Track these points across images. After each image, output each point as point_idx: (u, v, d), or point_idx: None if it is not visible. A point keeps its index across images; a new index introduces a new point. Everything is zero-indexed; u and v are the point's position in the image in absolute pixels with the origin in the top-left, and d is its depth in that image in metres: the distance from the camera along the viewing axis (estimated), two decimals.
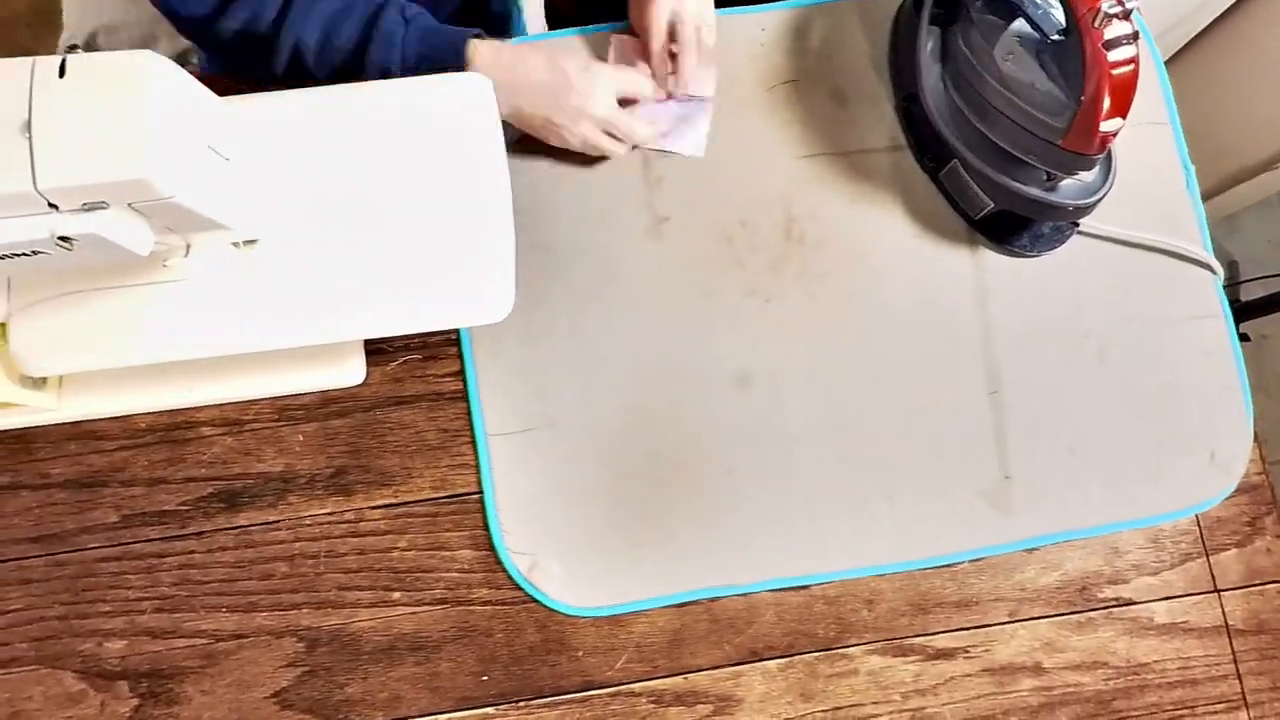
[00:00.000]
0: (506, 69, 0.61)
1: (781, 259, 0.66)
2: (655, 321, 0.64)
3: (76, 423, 0.61)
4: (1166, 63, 0.75)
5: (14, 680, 0.58)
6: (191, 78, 0.43)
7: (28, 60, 0.39)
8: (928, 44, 0.64)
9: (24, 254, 0.42)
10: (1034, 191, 0.60)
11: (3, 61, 0.39)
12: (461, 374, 0.63)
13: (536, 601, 0.60)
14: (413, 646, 0.59)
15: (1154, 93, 0.69)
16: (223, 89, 0.47)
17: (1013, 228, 0.66)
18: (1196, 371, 0.66)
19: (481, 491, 0.61)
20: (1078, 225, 0.66)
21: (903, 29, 0.68)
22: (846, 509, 0.62)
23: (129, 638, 0.59)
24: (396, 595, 0.60)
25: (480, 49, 0.61)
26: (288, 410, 0.62)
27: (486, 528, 0.61)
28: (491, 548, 0.60)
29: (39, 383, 0.58)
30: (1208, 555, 0.64)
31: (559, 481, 0.62)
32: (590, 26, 0.70)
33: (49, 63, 0.39)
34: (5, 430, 0.60)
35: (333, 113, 0.58)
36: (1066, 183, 0.61)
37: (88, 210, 0.40)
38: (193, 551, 0.60)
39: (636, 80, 0.64)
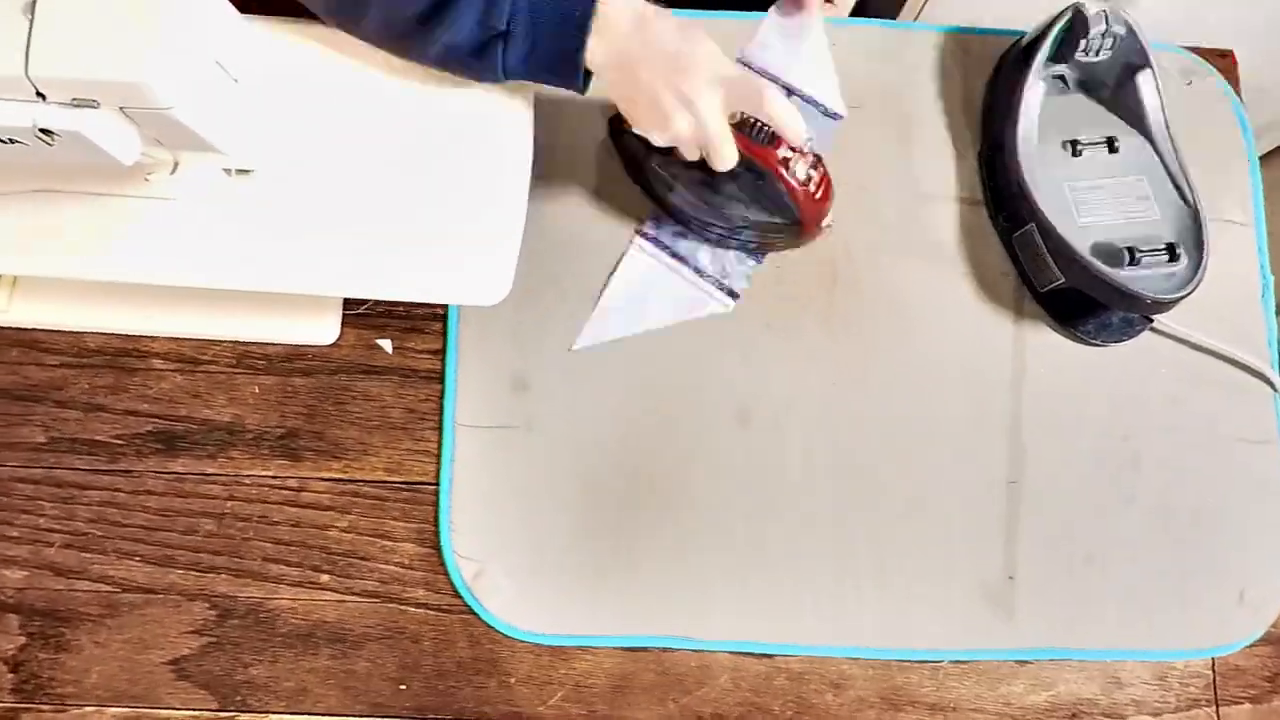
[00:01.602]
0: (636, 35, 0.54)
1: (809, 295, 0.67)
2: (662, 335, 0.65)
3: (22, 329, 0.63)
4: (1262, 159, 0.76)
5: None
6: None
7: None
8: (1031, 96, 0.66)
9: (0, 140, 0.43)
10: (1113, 275, 0.61)
11: None
12: (442, 354, 0.64)
13: (475, 614, 0.60)
14: (332, 638, 0.60)
15: (1241, 189, 0.70)
16: (244, 5, 0.48)
17: (1080, 310, 0.66)
18: (1240, 499, 0.66)
19: (438, 483, 0.62)
20: (1152, 321, 0.66)
21: (1005, 73, 0.69)
22: (831, 577, 0.62)
23: (30, 569, 0.60)
24: (325, 579, 0.61)
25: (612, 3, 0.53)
26: (249, 358, 0.64)
27: (436, 523, 0.61)
28: (437, 546, 0.61)
29: None
30: (1217, 706, 0.64)
31: (524, 487, 0.63)
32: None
33: None
34: None
35: (357, 51, 0.59)
36: (1149, 273, 0.62)
37: (76, 106, 0.41)
38: (118, 490, 0.61)
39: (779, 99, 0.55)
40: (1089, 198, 0.66)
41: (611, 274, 0.66)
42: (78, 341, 0.63)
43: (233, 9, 0.47)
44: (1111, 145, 0.67)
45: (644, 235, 0.67)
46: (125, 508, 0.61)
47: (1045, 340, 0.67)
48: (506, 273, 0.58)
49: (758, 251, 0.67)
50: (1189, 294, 0.61)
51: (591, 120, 0.67)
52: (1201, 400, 0.67)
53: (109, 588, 0.60)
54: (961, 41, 0.73)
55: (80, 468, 0.62)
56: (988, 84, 0.71)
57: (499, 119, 0.60)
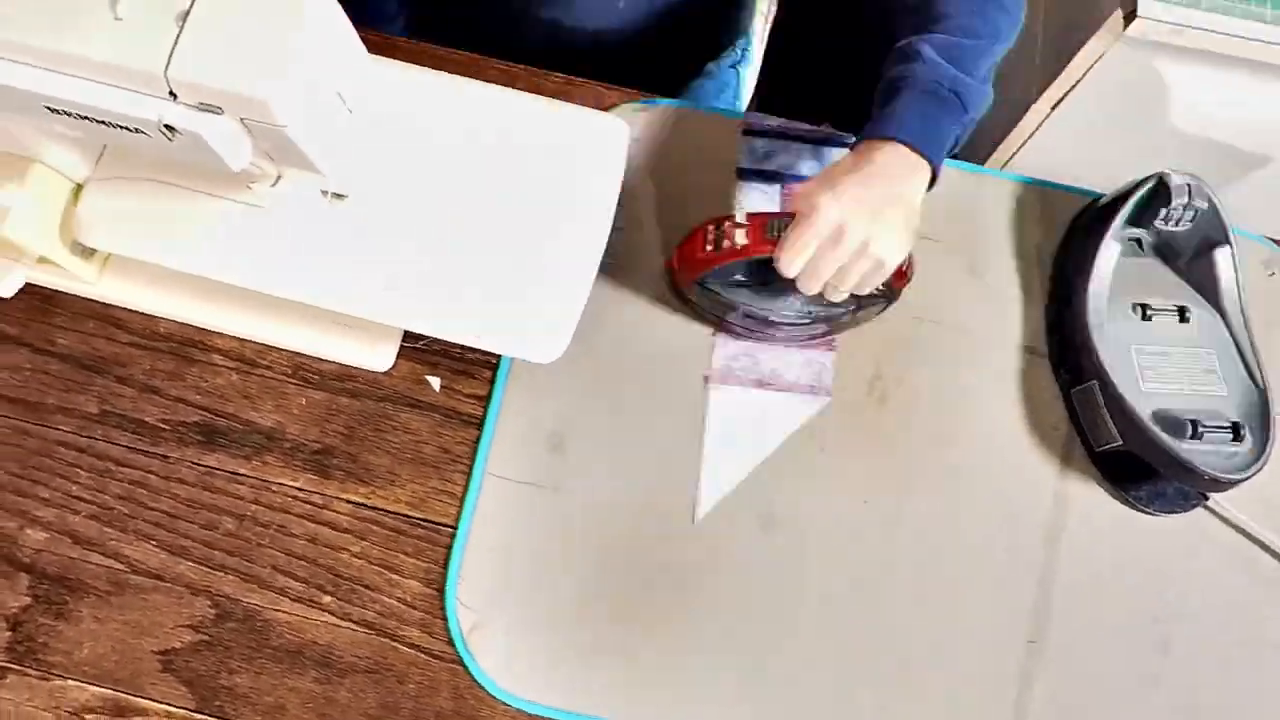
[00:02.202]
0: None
1: (854, 412, 0.66)
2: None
3: (104, 304, 0.65)
4: None
5: None
6: (348, 22, 0.47)
7: None
8: (1106, 255, 0.65)
9: (125, 128, 0.46)
10: (1174, 446, 0.59)
11: None
12: (486, 401, 0.65)
13: (464, 667, 0.59)
14: (320, 661, 0.59)
15: None
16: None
17: (1134, 474, 0.64)
18: (1268, 710, 0.61)
19: (456, 527, 0.62)
20: (1207, 498, 0.64)
21: (1081, 230, 0.69)
22: (830, 707, 0.60)
23: (52, 533, 0.61)
24: (327, 600, 0.60)
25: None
26: (304, 370, 0.65)
27: (445, 567, 0.61)
28: (441, 590, 0.60)
29: (88, 253, 0.62)
30: None
31: (540, 549, 0.62)
32: None
33: None
34: (35, 286, 0.64)
35: (466, 103, 0.62)
36: (1211, 449, 0.60)
37: (201, 110, 0.44)
38: (152, 472, 0.62)
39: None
40: (1155, 364, 0.64)
41: (704, 433, 0.65)
42: (150, 324, 0.65)
43: (361, 46, 0.50)
44: (1183, 315, 0.66)
45: (716, 379, 0.66)
46: (155, 491, 0.62)
47: (1091, 499, 0.65)
48: (565, 335, 0.58)
49: (832, 332, 0.66)
50: (1250, 477, 0.59)
51: (668, 212, 0.69)
52: (1246, 593, 0.64)
53: (121, 566, 0.60)
54: (1041, 194, 0.73)
55: (122, 444, 0.63)
56: (1063, 237, 0.71)
57: (588, 188, 0.61)
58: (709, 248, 0.60)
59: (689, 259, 0.62)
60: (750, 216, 0.60)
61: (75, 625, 0.59)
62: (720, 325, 0.67)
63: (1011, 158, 1.03)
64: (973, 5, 0.60)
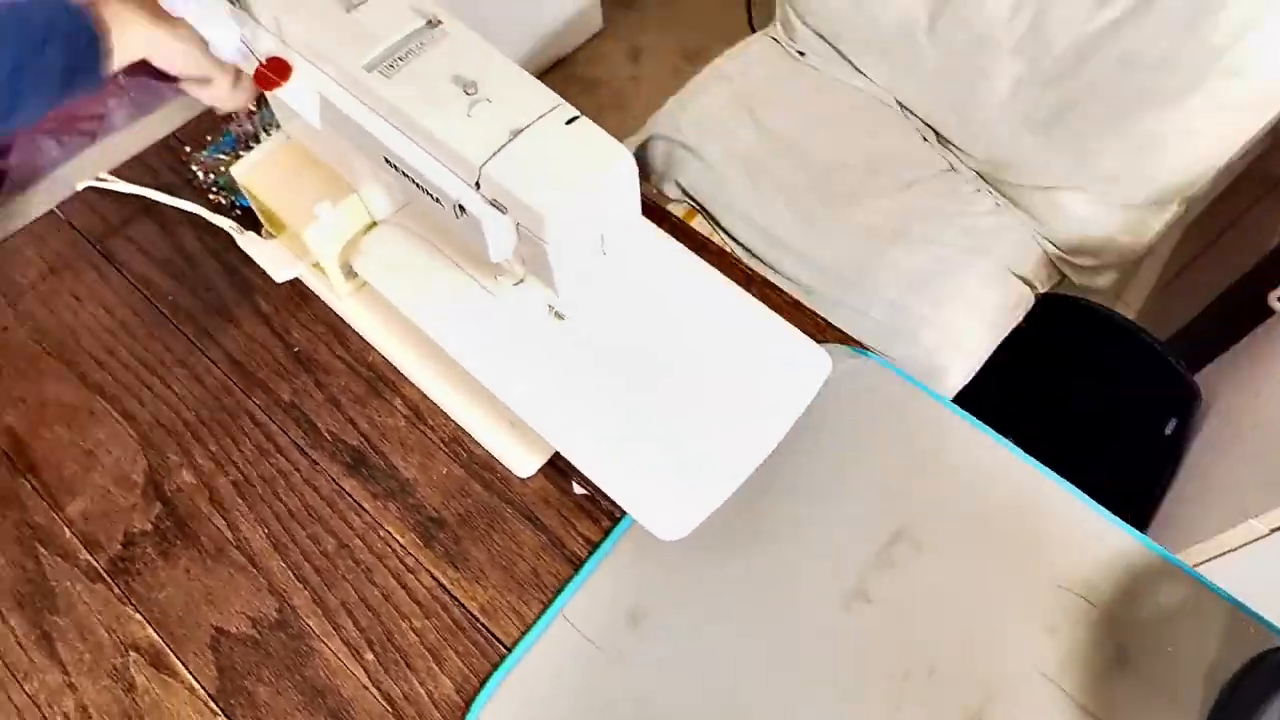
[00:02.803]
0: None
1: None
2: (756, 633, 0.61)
3: (341, 318, 0.74)
4: None
5: (109, 427, 0.69)
6: (638, 191, 0.53)
7: (557, 100, 0.51)
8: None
9: (430, 195, 0.53)
10: None
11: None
12: (593, 547, 0.65)
13: None
14: (333, 711, 0.59)
15: None
16: None
17: None
18: None
19: (511, 650, 0.61)
20: None
21: (1253, 676, 0.61)
22: None
23: (199, 481, 0.67)
24: (369, 658, 0.60)
25: None
26: (458, 444, 0.69)
27: (484, 682, 0.59)
28: (469, 702, 0.59)
29: (351, 274, 0.71)
30: None
31: (579, 710, 0.59)
32: None
33: (568, 112, 0.51)
34: (300, 282, 0.74)
35: (701, 285, 0.67)
36: None
37: (491, 204, 0.50)
38: (298, 470, 0.67)
39: None
40: None
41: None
42: (364, 350, 0.73)
43: (639, 207, 0.55)
44: None
45: None
46: (291, 486, 0.67)
47: None
48: (693, 521, 0.58)
49: None
50: None
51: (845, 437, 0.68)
52: None
53: (230, 537, 0.65)
54: (1234, 614, 0.64)
55: (289, 435, 0.69)
56: (1237, 674, 0.61)
57: (774, 402, 0.63)
58: None
59: None
60: None
61: (170, 568, 0.63)
62: None
63: (1215, 558, 0.93)
64: None
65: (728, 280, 0.68)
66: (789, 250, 1.11)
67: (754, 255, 1.15)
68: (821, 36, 1.24)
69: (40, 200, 1.01)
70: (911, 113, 1.19)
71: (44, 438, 0.68)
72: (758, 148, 1.17)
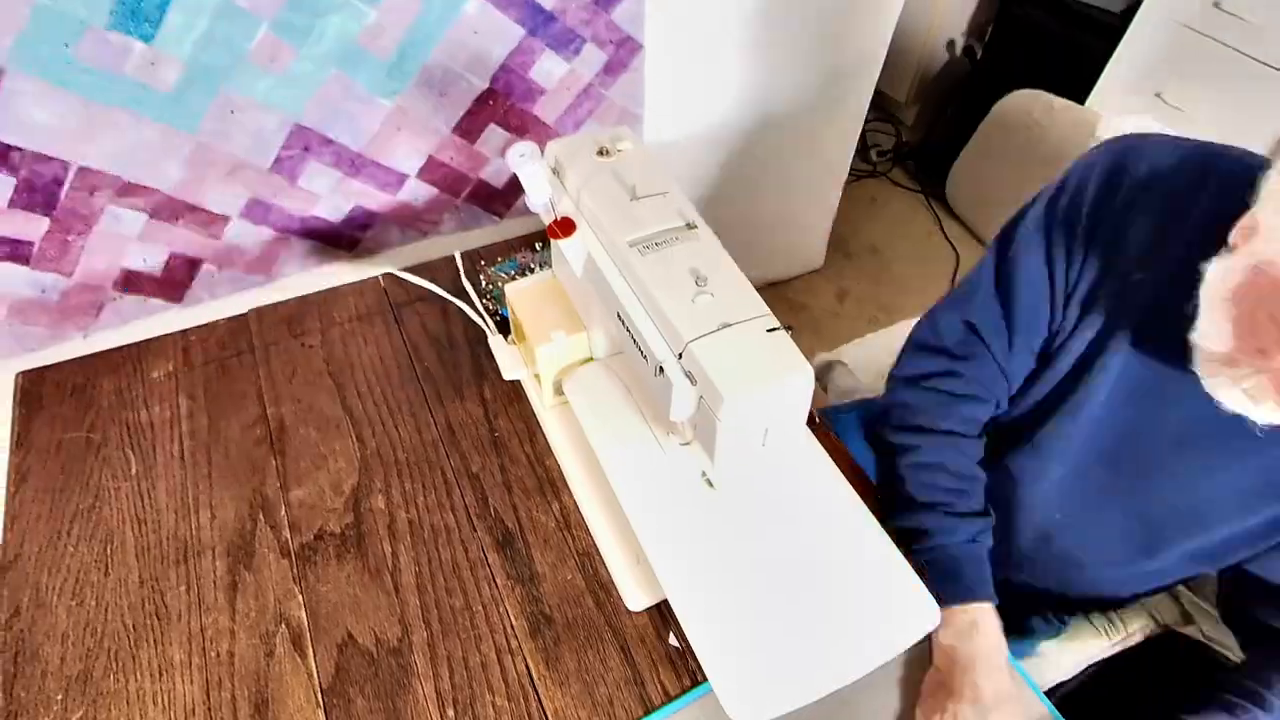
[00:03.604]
0: (963, 652, 0.60)
1: None
2: None
3: (538, 419, 0.79)
4: None
5: (344, 442, 0.76)
6: (809, 404, 0.54)
7: (765, 311, 0.54)
8: None
9: (639, 347, 0.57)
10: None
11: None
12: (667, 699, 0.61)
13: None
14: None
15: None
16: None
17: None
18: None
19: None
20: None
21: None
22: None
23: (387, 509, 0.72)
24: (449, 713, 0.60)
25: (969, 616, 0.62)
26: (589, 558, 0.69)
27: None
28: None
29: (559, 391, 0.76)
30: None
31: None
32: None
33: (771, 322, 0.53)
34: (518, 383, 0.81)
35: (849, 511, 0.65)
36: None
37: (685, 374, 0.53)
38: (459, 529, 0.71)
39: None
40: None
41: None
42: (546, 453, 0.76)
43: (805, 419, 0.56)
44: None
45: None
46: (449, 539, 0.70)
47: None
48: (766, 714, 0.54)
49: None
50: None
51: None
52: None
53: (389, 564, 0.68)
54: None
55: (464, 499, 0.73)
56: None
57: (876, 632, 0.58)
58: None
59: None
60: None
61: (337, 570, 0.68)
62: None
63: None
64: None
65: (864, 506, 0.65)
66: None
67: None
68: None
69: (374, 266, 1.19)
70: None
71: (299, 433, 0.77)
72: None
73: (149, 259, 1.06)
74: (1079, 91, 1.76)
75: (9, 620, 0.63)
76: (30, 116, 0.87)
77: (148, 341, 0.85)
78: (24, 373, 0.81)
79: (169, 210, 1.03)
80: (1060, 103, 1.75)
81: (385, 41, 1.00)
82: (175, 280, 1.11)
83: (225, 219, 1.08)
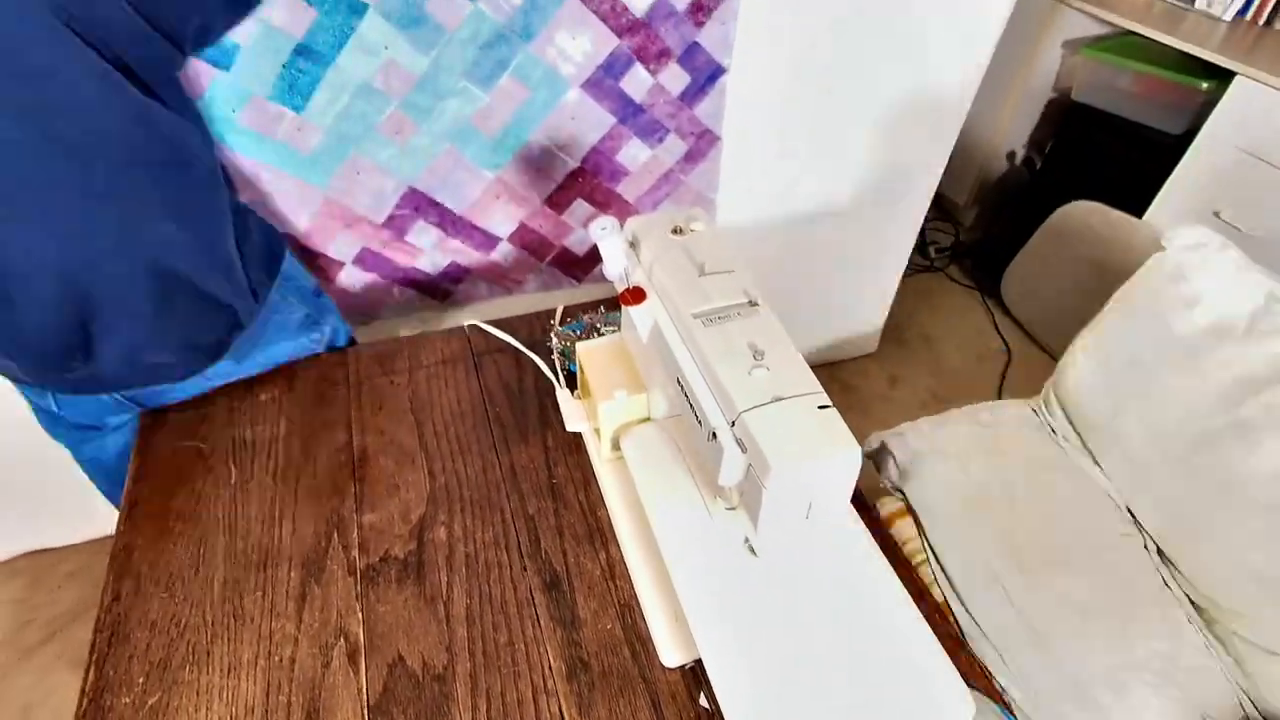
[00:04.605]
0: None
1: None
2: None
3: (594, 469, 0.78)
4: None
5: (416, 475, 0.77)
6: (854, 483, 0.52)
7: (819, 388, 0.53)
8: None
9: (695, 412, 0.57)
10: None
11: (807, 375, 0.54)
12: None
13: None
14: None
15: None
16: None
17: None
18: None
19: None
20: None
21: None
22: None
23: (446, 541, 0.72)
24: None
25: None
26: (630, 610, 0.67)
27: None
28: None
29: (615, 446, 0.76)
30: None
31: None
32: None
33: (824, 400, 0.52)
34: (577, 435, 0.81)
35: (889, 599, 0.62)
36: None
37: (736, 440, 0.52)
38: (511, 567, 0.70)
39: None
40: None
41: None
42: (598, 503, 0.76)
43: (849, 500, 0.54)
44: None
45: None
46: (500, 575, 0.69)
47: None
48: None
49: None
50: None
51: None
52: None
53: (444, 593, 0.68)
54: None
55: (519, 539, 0.72)
56: None
57: (907, 715, 0.54)
58: None
59: None
60: None
61: (396, 593, 0.68)
62: None
63: None
64: None
65: (903, 590, 0.62)
66: (974, 590, 0.99)
67: (947, 578, 1.03)
68: (1073, 425, 1.15)
69: (461, 316, 1.23)
70: (1140, 524, 1.04)
71: (378, 462, 0.79)
72: (980, 489, 1.09)
73: None
74: (1136, 206, 1.72)
75: (110, 604, 0.66)
76: None
77: None
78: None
79: (295, 253, 1.10)
80: (1118, 215, 1.71)
81: (494, 122, 1.06)
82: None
83: (340, 264, 1.15)
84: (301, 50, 0.91)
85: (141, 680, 0.61)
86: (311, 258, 1.11)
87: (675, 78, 1.13)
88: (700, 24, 1.09)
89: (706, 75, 1.15)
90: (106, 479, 0.86)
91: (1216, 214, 1.59)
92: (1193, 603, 0.96)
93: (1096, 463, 1.10)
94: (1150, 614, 0.94)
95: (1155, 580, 0.98)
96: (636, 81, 1.11)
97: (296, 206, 1.05)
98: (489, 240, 1.21)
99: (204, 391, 0.84)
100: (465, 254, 1.21)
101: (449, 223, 1.16)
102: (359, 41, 0.92)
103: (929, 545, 1.07)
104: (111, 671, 0.61)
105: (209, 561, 0.69)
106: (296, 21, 0.89)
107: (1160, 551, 1.01)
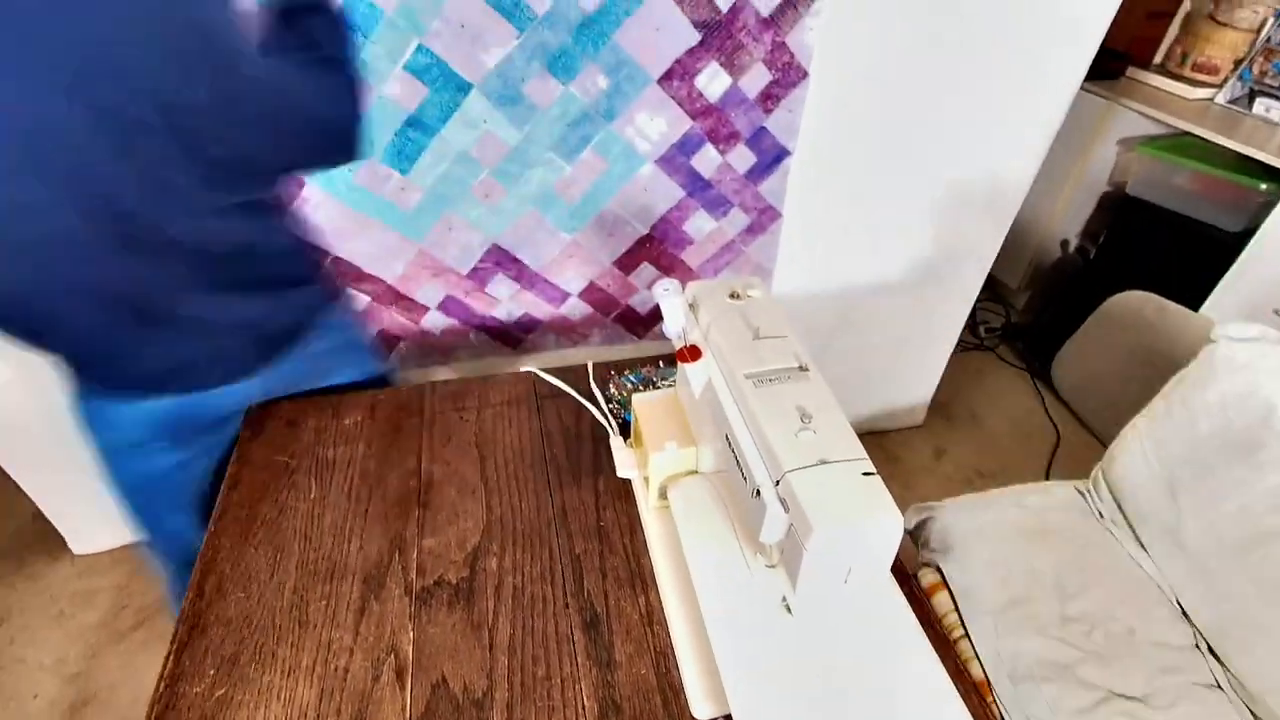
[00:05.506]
0: None
1: None
2: None
3: (640, 520, 0.77)
4: None
5: (475, 506, 0.78)
6: (895, 551, 0.50)
7: (864, 455, 0.51)
8: None
9: (741, 469, 0.56)
10: None
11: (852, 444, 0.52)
12: None
13: None
14: None
15: None
16: None
17: None
18: None
19: None
20: None
21: None
22: None
23: (496, 571, 0.72)
24: None
25: None
26: (665, 657, 0.65)
27: None
28: None
29: (663, 495, 0.75)
30: None
31: None
32: None
33: (868, 467, 0.50)
34: (626, 480, 0.80)
35: (908, 653, 0.58)
36: None
37: (780, 499, 0.51)
38: (553, 603, 0.69)
39: None
40: None
41: None
42: (642, 550, 0.74)
43: (890, 562, 0.51)
44: None
45: None
46: (543, 613, 0.68)
47: None
48: None
49: None
50: None
51: None
52: None
53: (490, 620, 0.67)
54: None
55: (564, 576, 0.72)
56: None
57: None
58: None
59: None
60: None
61: (446, 616, 0.68)
62: None
63: None
64: None
65: (939, 663, 0.58)
66: (1013, 679, 0.92)
67: (976, 658, 0.96)
68: (1122, 511, 1.07)
69: (529, 362, 1.25)
70: (1190, 618, 0.95)
71: (443, 490, 0.80)
72: (1022, 574, 1.02)
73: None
74: (1189, 300, 1.63)
75: (194, 598, 0.68)
76: (310, 216, 1.03)
77: (348, 394, 0.93)
78: (255, 404, 0.91)
79: (388, 297, 1.16)
80: (1173, 306, 1.63)
81: (574, 190, 1.11)
82: (378, 352, 1.22)
83: (425, 309, 1.19)
84: (412, 121, 0.98)
85: (212, 672, 0.62)
86: (401, 300, 1.17)
87: (742, 158, 1.16)
88: (769, 111, 1.12)
89: (772, 156, 1.17)
90: (132, 500, 0.84)
91: (1276, 312, 1.49)
92: (1244, 702, 0.86)
93: (1145, 549, 1.02)
94: (1195, 712, 0.85)
95: (1206, 679, 0.89)
96: (706, 160, 1.14)
97: (393, 256, 1.10)
98: (560, 295, 1.24)
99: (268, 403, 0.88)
100: (538, 306, 1.25)
101: (525, 277, 1.20)
102: (462, 116, 0.99)
103: (965, 627, 1.00)
104: (188, 661, 0.63)
105: (283, 568, 0.71)
106: (408, 96, 0.96)
107: (1211, 649, 0.91)
